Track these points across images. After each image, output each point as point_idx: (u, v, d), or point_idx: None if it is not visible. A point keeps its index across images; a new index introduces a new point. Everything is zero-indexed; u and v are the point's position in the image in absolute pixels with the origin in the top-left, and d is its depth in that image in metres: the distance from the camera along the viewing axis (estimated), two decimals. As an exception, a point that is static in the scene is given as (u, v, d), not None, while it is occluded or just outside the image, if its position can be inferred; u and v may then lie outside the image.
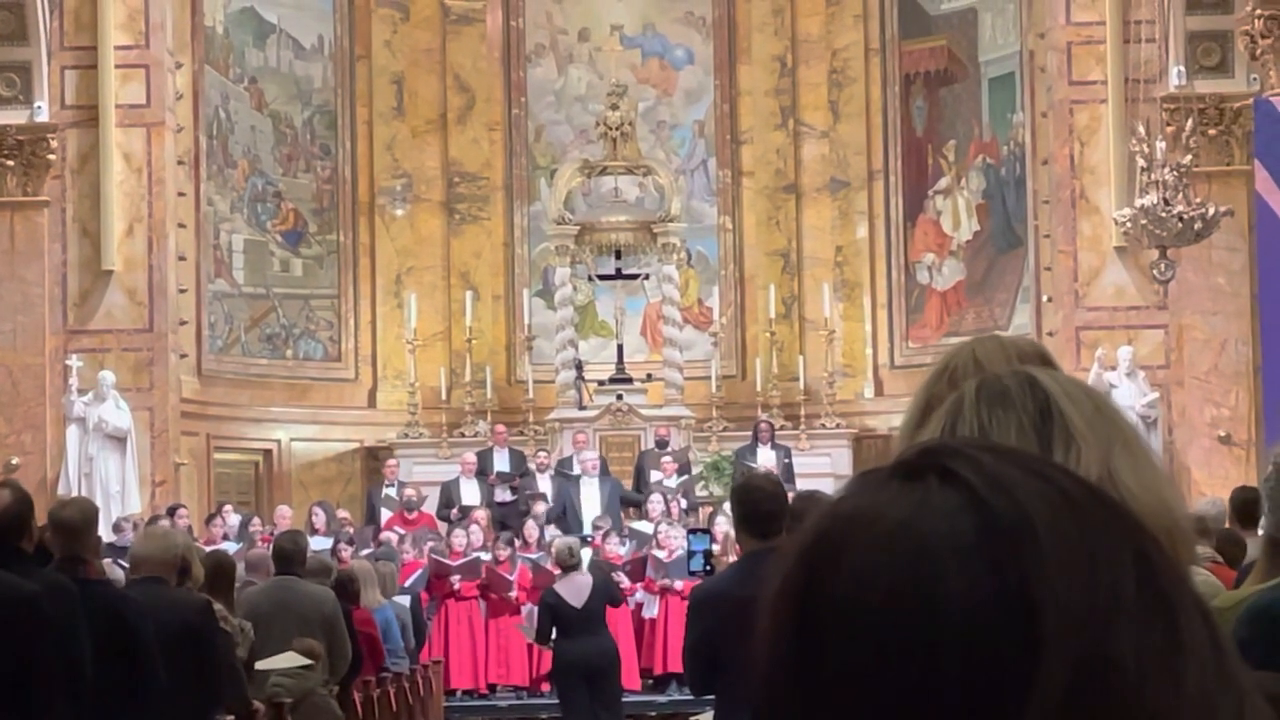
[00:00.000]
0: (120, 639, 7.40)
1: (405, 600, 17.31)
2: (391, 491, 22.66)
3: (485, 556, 19.76)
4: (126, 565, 11.00)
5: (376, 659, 14.00)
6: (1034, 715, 1.06)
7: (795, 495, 8.11)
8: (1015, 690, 1.07)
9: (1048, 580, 1.08)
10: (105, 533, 19.26)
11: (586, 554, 18.38)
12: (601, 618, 15.68)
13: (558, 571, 19.06)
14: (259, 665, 10.67)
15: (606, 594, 15.89)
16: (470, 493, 22.48)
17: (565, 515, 21.65)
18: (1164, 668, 1.09)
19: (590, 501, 22.00)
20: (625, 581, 18.69)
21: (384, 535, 20.49)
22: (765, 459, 22.40)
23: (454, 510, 22.09)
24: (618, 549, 19.72)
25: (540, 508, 21.26)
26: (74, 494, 19.00)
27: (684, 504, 21.35)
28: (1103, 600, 1.09)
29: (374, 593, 15.35)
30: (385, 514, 22.25)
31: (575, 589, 15.40)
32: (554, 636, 15.52)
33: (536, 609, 16.39)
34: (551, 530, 20.54)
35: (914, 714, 1.07)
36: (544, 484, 22.44)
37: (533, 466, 22.91)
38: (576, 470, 22.36)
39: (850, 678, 1.08)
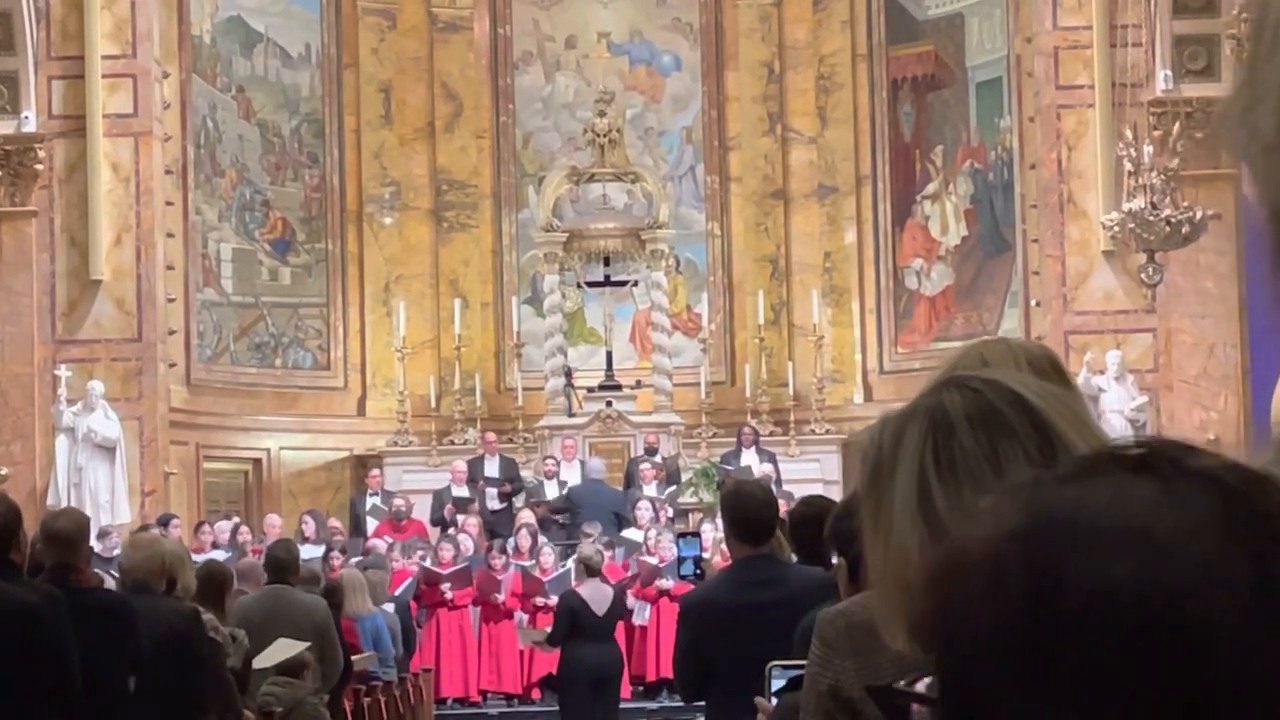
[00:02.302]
0: (117, 643, 7.40)
1: (392, 608, 17.33)
2: (376, 501, 22.68)
3: (476, 563, 19.78)
4: (117, 575, 10.99)
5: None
6: None
7: (800, 500, 8.09)
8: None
9: None
10: (92, 543, 19.28)
11: (569, 562, 18.40)
12: (614, 627, 15.81)
13: (548, 577, 19.11)
14: (255, 664, 10.67)
15: (623, 606, 16.02)
16: (461, 501, 22.49)
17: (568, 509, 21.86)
18: None
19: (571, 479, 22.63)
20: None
21: (371, 543, 20.49)
22: (749, 463, 22.47)
23: (448, 507, 22.09)
24: (609, 558, 19.74)
25: (527, 515, 21.28)
26: (63, 504, 18.98)
27: (670, 512, 21.36)
28: None
29: (363, 601, 15.35)
30: (372, 523, 22.27)
31: (600, 596, 15.48)
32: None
33: (554, 611, 16.38)
34: (543, 538, 20.54)
35: (1170, 714, 1.04)
36: (551, 491, 22.50)
37: (533, 475, 22.93)
38: (558, 456, 22.67)
39: (1103, 673, 1.05)
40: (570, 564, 18.46)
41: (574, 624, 15.30)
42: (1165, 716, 1.05)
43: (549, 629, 16.20)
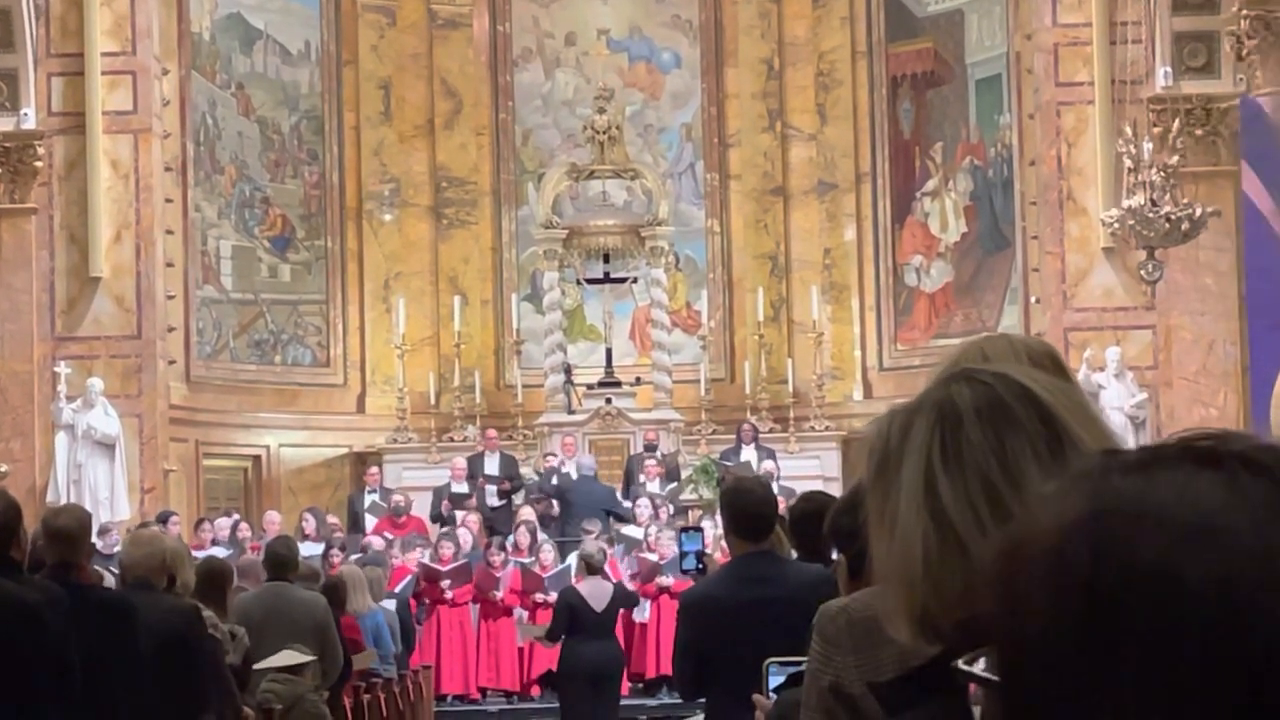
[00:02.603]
0: (117, 641, 7.40)
1: (393, 605, 17.34)
2: (375, 498, 22.67)
3: (475, 559, 19.78)
4: (116, 571, 10.99)
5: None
6: None
7: (801, 496, 8.09)
8: None
9: None
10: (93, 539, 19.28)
11: (573, 558, 18.38)
12: (614, 624, 15.80)
13: (548, 573, 19.11)
14: (258, 666, 10.67)
15: (624, 601, 16.00)
16: (458, 498, 22.48)
17: (558, 507, 21.75)
18: None
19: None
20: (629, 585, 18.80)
21: (368, 540, 20.49)
22: (748, 459, 22.49)
23: (444, 503, 22.09)
24: (615, 557, 19.74)
25: (528, 512, 21.28)
26: (63, 501, 18.97)
27: (670, 510, 21.35)
28: None
29: (364, 598, 15.35)
30: (370, 520, 22.25)
31: (599, 593, 15.48)
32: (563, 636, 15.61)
33: (553, 608, 16.42)
34: (543, 535, 20.53)
35: (1231, 705, 1.04)
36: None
37: (533, 472, 22.91)
38: (565, 468, 22.55)
39: (1165, 664, 1.05)
40: (570, 560, 18.48)
41: (572, 620, 15.31)
42: (1226, 710, 1.05)
43: (549, 625, 16.22)
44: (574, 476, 22.48)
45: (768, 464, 22.20)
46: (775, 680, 5.02)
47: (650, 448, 23.03)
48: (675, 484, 22.51)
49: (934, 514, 1.99)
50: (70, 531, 7.74)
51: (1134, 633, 1.06)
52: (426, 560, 19.69)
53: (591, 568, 15.85)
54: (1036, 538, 1.11)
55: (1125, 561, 1.07)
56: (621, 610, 17.26)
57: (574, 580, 16.84)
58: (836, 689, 3.75)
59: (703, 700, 7.48)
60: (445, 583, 19.41)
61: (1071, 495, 1.11)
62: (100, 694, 7.18)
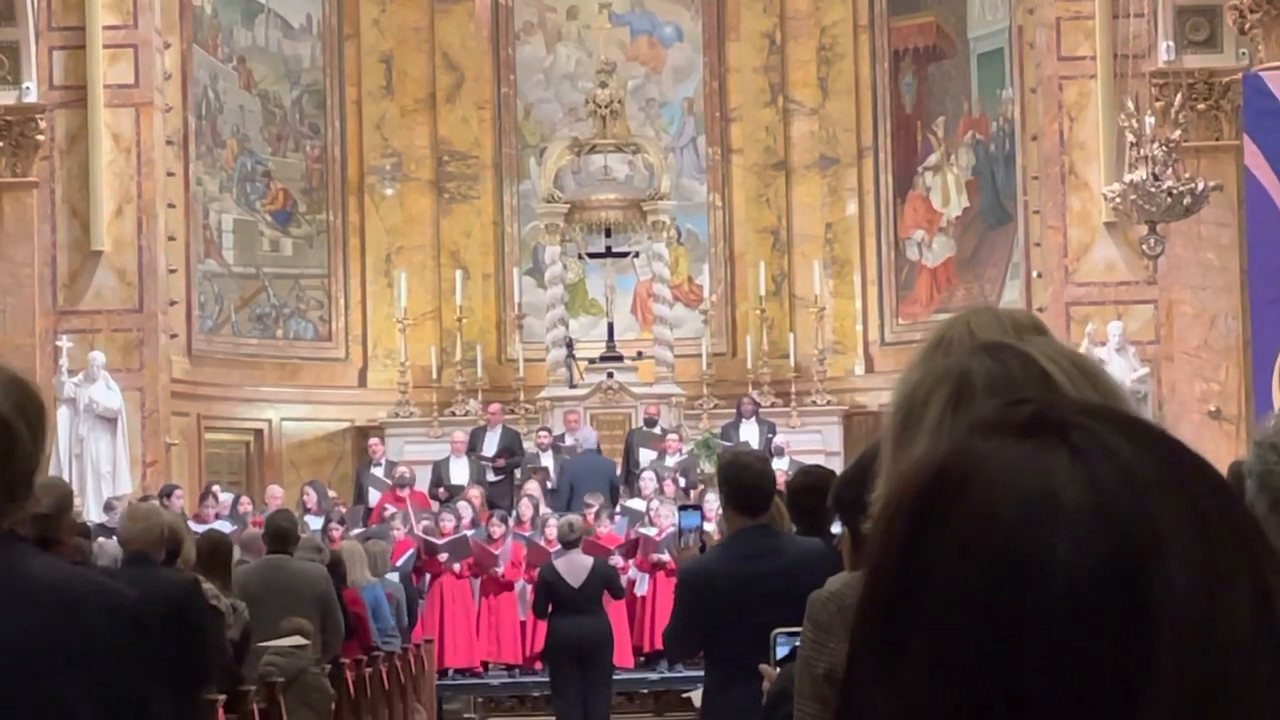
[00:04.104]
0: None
1: (395, 579, 17.36)
2: (379, 471, 22.66)
3: (474, 534, 19.77)
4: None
5: (363, 639, 14.03)
6: (1149, 710, 1.06)
7: (800, 470, 8.09)
8: (1119, 674, 1.06)
9: (1165, 585, 1.07)
10: (96, 513, 19.29)
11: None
12: (598, 598, 15.72)
13: (554, 548, 19.12)
14: (262, 645, 10.68)
15: (606, 579, 15.92)
16: (460, 472, 22.49)
17: (566, 491, 21.67)
18: (1273, 697, 1.08)
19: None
20: (618, 560, 18.72)
21: (386, 513, 20.50)
22: (748, 434, 22.47)
23: (440, 489, 22.11)
24: (610, 529, 19.73)
25: (533, 486, 21.26)
26: (64, 476, 18.98)
27: (682, 483, 21.33)
28: (1223, 633, 1.08)
29: (362, 572, 15.37)
30: (374, 494, 22.26)
31: (574, 568, 15.44)
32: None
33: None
34: (546, 509, 20.52)
35: (999, 672, 1.07)
36: (548, 462, 22.46)
37: (530, 446, 22.91)
38: (570, 442, 22.51)
39: (945, 626, 1.08)
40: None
41: (551, 597, 15.29)
42: (995, 674, 1.08)
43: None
44: (578, 450, 22.48)
45: (778, 441, 22.16)
46: (782, 650, 5.03)
47: (651, 422, 23.02)
48: (686, 456, 22.48)
49: None
50: (48, 508, 7.73)
51: (930, 596, 1.09)
52: (422, 533, 19.69)
53: (566, 543, 15.81)
54: (893, 491, 1.15)
55: (941, 525, 1.10)
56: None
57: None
58: (831, 676, 3.74)
59: (701, 673, 7.50)
60: (443, 556, 19.41)
61: (938, 455, 1.14)
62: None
